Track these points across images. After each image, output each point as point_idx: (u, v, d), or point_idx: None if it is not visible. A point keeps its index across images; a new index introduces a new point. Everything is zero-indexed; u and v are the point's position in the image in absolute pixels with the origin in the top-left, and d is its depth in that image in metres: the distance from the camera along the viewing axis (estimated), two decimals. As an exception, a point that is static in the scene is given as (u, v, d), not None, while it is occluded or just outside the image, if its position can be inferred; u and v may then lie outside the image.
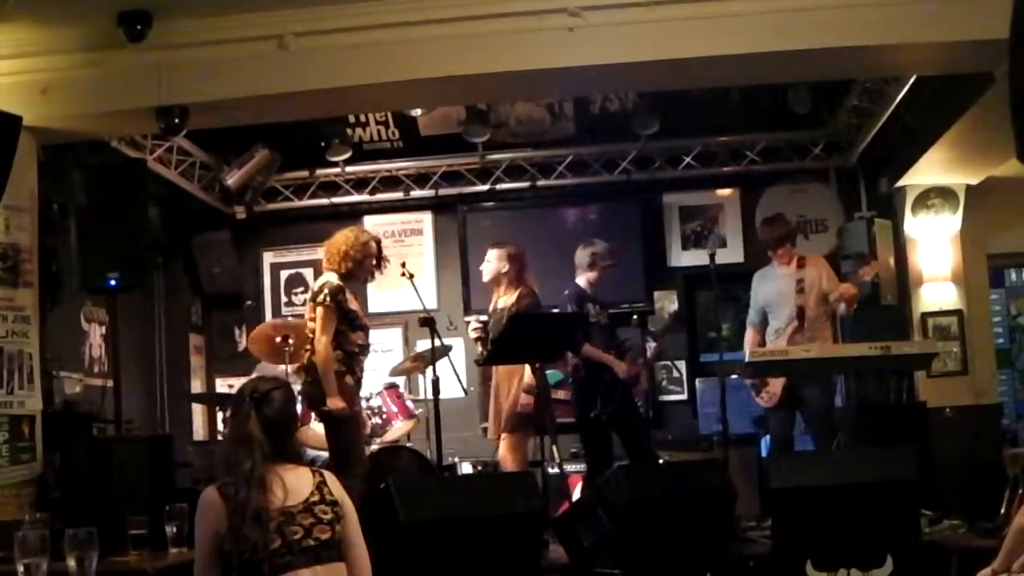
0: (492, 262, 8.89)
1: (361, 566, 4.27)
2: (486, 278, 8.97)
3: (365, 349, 7.82)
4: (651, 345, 9.25)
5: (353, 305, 7.72)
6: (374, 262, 7.90)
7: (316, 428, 8.47)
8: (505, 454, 8.92)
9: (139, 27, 7.33)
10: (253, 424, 4.18)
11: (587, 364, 8.79)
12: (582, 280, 9.01)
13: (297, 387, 7.88)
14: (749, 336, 9.24)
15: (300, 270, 12.04)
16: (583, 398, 8.86)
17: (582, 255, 9.07)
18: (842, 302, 8.88)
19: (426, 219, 12.28)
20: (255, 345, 9.72)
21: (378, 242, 8.00)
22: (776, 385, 8.76)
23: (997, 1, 7.02)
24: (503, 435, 8.87)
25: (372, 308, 11.73)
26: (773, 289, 9.08)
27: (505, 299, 8.79)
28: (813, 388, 8.72)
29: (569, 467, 9.67)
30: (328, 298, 7.56)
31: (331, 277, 7.70)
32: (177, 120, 7.78)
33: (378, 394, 9.77)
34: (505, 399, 8.83)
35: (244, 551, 3.96)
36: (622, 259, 9.58)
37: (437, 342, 8.18)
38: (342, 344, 7.59)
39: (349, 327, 7.66)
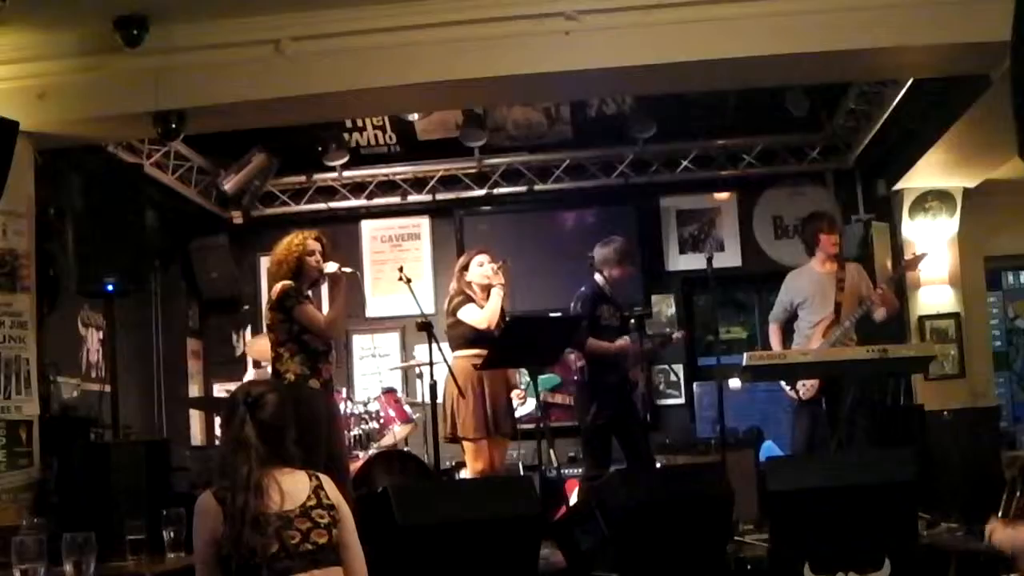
0: (489, 265, 8.66)
1: (358, 570, 4.26)
2: (484, 282, 8.67)
3: (329, 350, 7.71)
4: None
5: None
6: (316, 257, 7.59)
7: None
8: (503, 460, 8.78)
9: (136, 32, 7.32)
10: (248, 429, 4.17)
11: (590, 367, 8.77)
12: (600, 278, 8.96)
13: None
14: (774, 331, 9.25)
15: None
16: (585, 401, 8.84)
17: (606, 252, 9.00)
18: (881, 308, 8.89)
19: (423, 223, 12.28)
20: (255, 351, 9.76)
21: (318, 238, 7.79)
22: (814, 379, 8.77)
23: (993, 4, 7.06)
24: (501, 438, 8.67)
25: (370, 312, 11.77)
26: (814, 285, 9.06)
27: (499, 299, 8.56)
28: (851, 383, 8.69)
29: (567, 471, 9.66)
30: (291, 300, 7.42)
31: (283, 282, 7.49)
32: (174, 125, 7.79)
33: (376, 399, 9.77)
34: (492, 399, 8.45)
35: (243, 556, 3.96)
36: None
37: (435, 347, 8.14)
38: (307, 345, 7.41)
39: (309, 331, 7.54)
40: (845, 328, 8.82)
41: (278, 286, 7.48)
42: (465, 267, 8.62)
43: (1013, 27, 1.41)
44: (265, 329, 7.76)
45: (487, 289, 8.45)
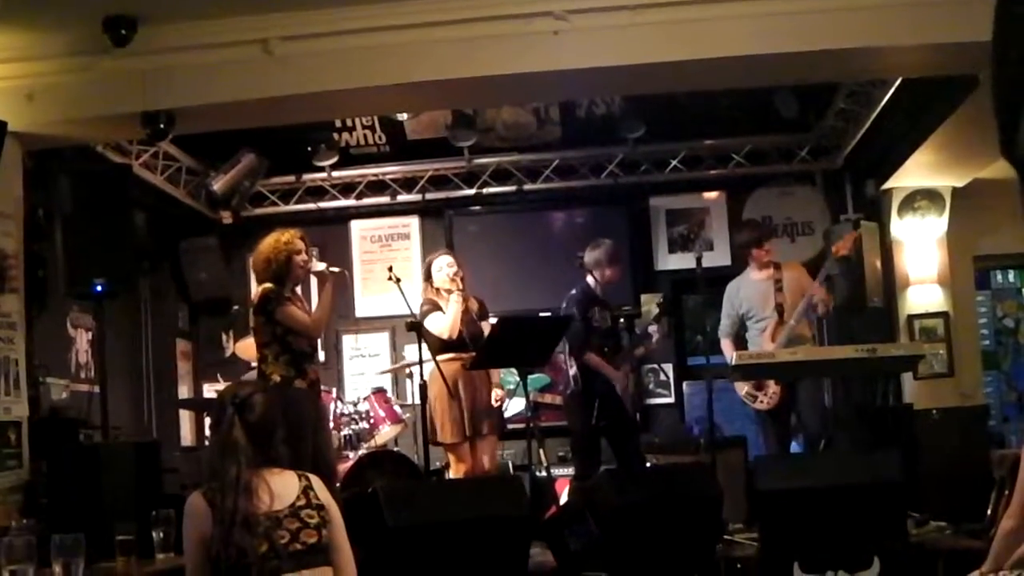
0: (456, 267, 8.65)
1: (347, 570, 4.27)
2: (451, 284, 8.52)
3: (314, 351, 7.74)
4: (639, 350, 9.28)
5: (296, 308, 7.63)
6: (303, 256, 7.60)
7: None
8: (493, 459, 8.81)
9: (124, 32, 7.31)
10: (236, 431, 4.17)
11: (585, 373, 8.76)
12: (591, 280, 8.95)
13: None
14: (727, 348, 9.21)
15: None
16: (581, 407, 8.82)
17: (596, 253, 8.98)
18: (819, 303, 8.93)
19: (413, 223, 12.27)
20: (244, 352, 9.77)
21: (302, 237, 7.81)
22: (774, 385, 8.79)
23: (981, 4, 7.07)
24: (487, 438, 8.69)
25: (359, 312, 11.77)
26: (753, 293, 9.11)
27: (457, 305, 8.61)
28: (808, 386, 8.77)
29: (556, 471, 9.67)
30: (273, 303, 7.45)
31: (265, 285, 7.54)
32: (163, 125, 7.78)
33: (365, 399, 9.78)
34: (469, 402, 8.52)
35: (232, 557, 3.96)
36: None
37: (424, 347, 8.15)
38: (291, 346, 7.45)
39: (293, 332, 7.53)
40: (791, 326, 8.84)
41: (259, 289, 7.52)
42: (428, 275, 8.67)
43: (994, 25, 1.42)
44: (251, 332, 7.80)
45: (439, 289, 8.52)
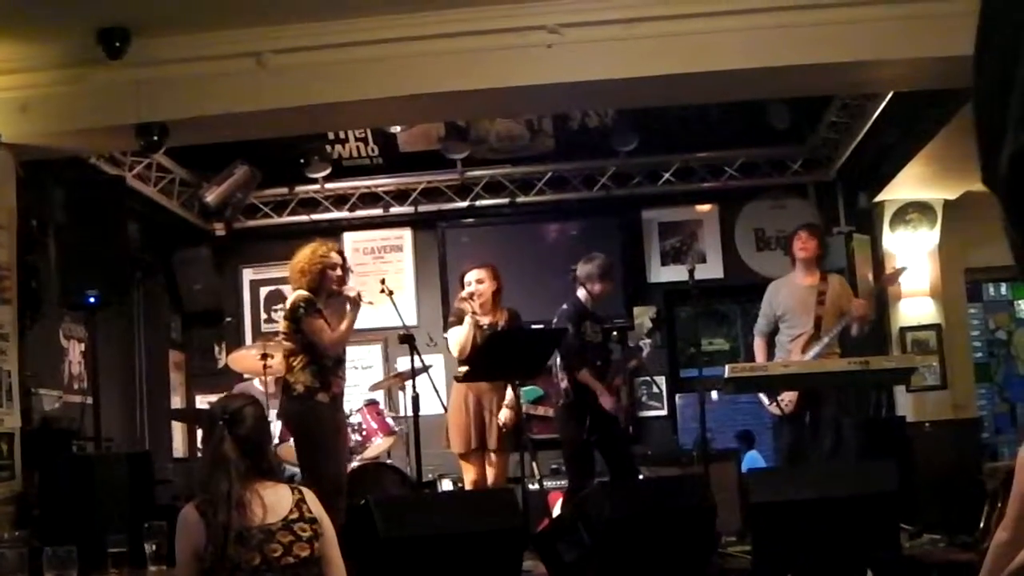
0: (486, 282, 8.71)
1: (340, 583, 4.27)
2: (483, 298, 8.69)
3: (341, 363, 7.76)
4: (632, 363, 9.28)
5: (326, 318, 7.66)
6: (338, 272, 7.75)
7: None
8: (499, 473, 8.81)
9: (118, 44, 7.31)
10: (227, 445, 4.17)
11: (577, 387, 8.74)
12: (583, 294, 8.93)
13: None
14: (758, 345, 9.26)
15: (280, 287, 11.87)
16: (572, 420, 8.80)
17: (589, 268, 8.97)
18: (857, 321, 8.93)
19: (406, 235, 12.26)
20: (237, 363, 9.77)
21: (340, 252, 7.89)
22: (793, 392, 8.78)
23: (972, 17, 7.08)
24: (494, 453, 8.70)
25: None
26: (794, 299, 9.08)
27: (487, 319, 8.69)
28: (830, 394, 8.74)
29: (549, 483, 9.65)
30: (302, 311, 7.50)
31: (300, 292, 7.66)
32: (156, 137, 7.77)
33: (358, 411, 9.76)
34: (478, 415, 8.62)
35: (225, 569, 3.96)
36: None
37: (417, 359, 8.15)
38: (317, 358, 7.52)
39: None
40: (825, 343, 8.83)
41: (293, 296, 7.59)
42: (462, 285, 8.73)
43: (976, 46, 1.41)
44: (281, 338, 7.86)
45: (482, 306, 8.57)
